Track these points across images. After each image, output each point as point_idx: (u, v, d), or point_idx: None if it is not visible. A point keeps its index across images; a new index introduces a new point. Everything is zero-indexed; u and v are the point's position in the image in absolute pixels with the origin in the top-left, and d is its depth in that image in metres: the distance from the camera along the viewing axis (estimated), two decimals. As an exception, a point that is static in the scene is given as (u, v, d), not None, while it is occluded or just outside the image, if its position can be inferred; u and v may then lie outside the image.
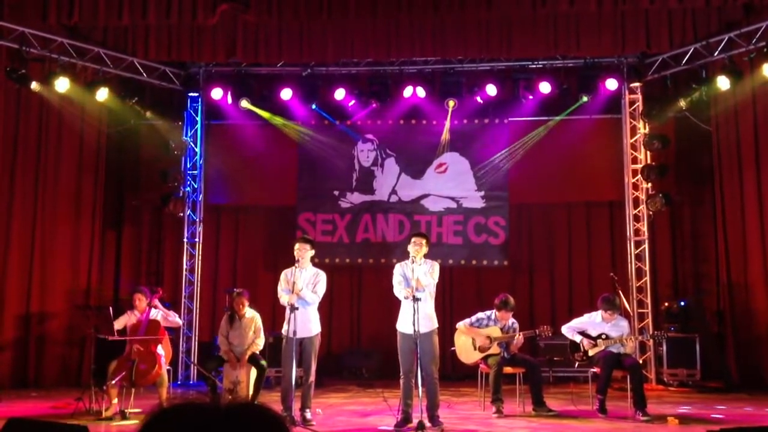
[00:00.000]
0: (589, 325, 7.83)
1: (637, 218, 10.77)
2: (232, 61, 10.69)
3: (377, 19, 9.62)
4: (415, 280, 6.64)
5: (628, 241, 10.73)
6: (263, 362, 7.76)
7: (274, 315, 9.70)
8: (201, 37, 9.98)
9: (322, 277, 7.21)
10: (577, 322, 7.95)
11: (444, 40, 9.93)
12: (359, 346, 11.36)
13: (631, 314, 10.10)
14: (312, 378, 7.10)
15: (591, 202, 11.43)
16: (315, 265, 7.50)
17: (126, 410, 7.31)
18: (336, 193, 11.45)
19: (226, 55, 10.17)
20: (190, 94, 11.32)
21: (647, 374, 9.81)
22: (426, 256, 6.84)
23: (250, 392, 7.54)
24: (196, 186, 11.28)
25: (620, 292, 9.04)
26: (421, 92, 10.88)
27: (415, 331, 6.44)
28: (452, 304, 11.11)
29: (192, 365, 10.50)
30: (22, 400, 8.53)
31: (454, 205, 11.29)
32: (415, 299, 6.48)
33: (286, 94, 10.98)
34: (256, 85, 11.20)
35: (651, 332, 9.81)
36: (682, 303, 10.47)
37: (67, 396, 8.07)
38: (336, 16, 9.28)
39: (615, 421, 7.19)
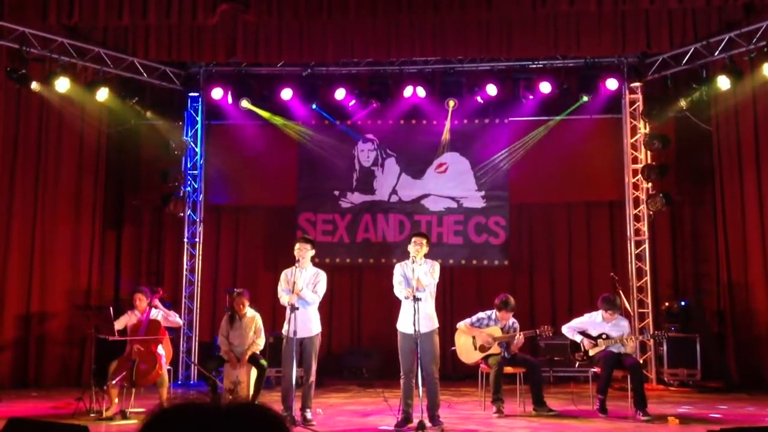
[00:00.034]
0: (590, 325, 7.83)
1: (637, 218, 10.77)
2: (233, 61, 10.69)
3: (377, 19, 9.62)
4: (416, 280, 6.64)
5: (629, 241, 10.73)
6: (263, 362, 7.76)
7: (274, 315, 9.70)
8: (201, 37, 9.98)
9: (323, 277, 7.21)
10: (578, 322, 7.95)
11: (444, 40, 9.93)
12: (359, 346, 11.36)
13: (632, 314, 10.10)
14: (312, 378, 7.10)
15: (591, 202, 11.43)
16: (315, 265, 7.50)
17: (126, 410, 7.31)
18: (336, 193, 11.45)
19: (227, 55, 10.18)
20: (191, 94, 11.32)
21: (648, 374, 9.81)
22: (426, 256, 6.84)
23: (251, 392, 7.54)
24: (196, 186, 11.28)
25: (620, 291, 9.04)
26: (421, 92, 10.88)
27: (415, 330, 6.44)
28: (452, 304, 11.11)
29: (192, 365, 10.50)
30: (23, 400, 8.54)
31: (454, 205, 11.29)
32: (416, 299, 6.47)
33: (286, 94, 10.99)
34: (256, 85, 11.20)
35: (651, 332, 9.81)
36: (683, 303, 10.47)
37: (67, 396, 8.07)
38: (336, 16, 9.28)
39: (615, 421, 7.19)
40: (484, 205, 11.20)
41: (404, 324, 6.72)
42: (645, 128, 10.77)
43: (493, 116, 11.31)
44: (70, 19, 9.20)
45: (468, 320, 7.92)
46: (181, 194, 10.98)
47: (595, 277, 10.99)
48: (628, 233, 10.75)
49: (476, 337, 7.83)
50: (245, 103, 11.06)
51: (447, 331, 9.45)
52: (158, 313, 7.86)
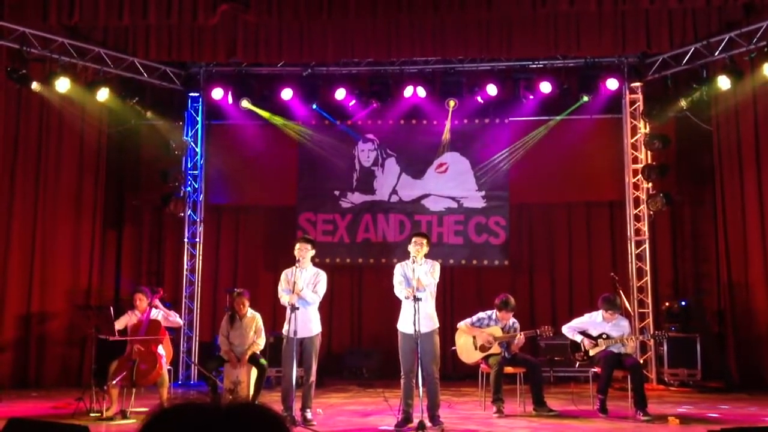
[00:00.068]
0: (590, 325, 7.83)
1: (637, 218, 10.77)
2: (233, 61, 10.69)
3: (377, 19, 9.62)
4: (416, 280, 6.64)
5: (629, 241, 10.73)
6: (263, 361, 7.76)
7: (274, 315, 9.70)
8: (201, 37, 9.98)
9: (323, 277, 7.21)
10: (578, 322, 7.95)
11: (444, 40, 9.93)
12: (360, 346, 11.36)
13: (632, 314, 10.09)
14: (313, 378, 7.10)
15: (591, 202, 11.43)
16: (315, 265, 7.50)
17: (127, 410, 7.31)
18: (336, 193, 11.45)
19: (227, 55, 10.18)
20: (191, 94, 11.33)
21: (648, 374, 9.81)
22: (426, 256, 6.84)
23: (251, 392, 7.54)
24: (196, 186, 11.28)
25: (621, 291, 9.03)
26: (421, 92, 10.88)
27: (415, 330, 6.44)
28: (453, 303, 11.11)
29: (193, 365, 10.51)
30: (23, 400, 8.54)
31: (454, 205, 11.29)
32: (416, 299, 6.47)
33: (286, 94, 10.99)
34: (256, 85, 11.20)
35: (652, 332, 9.81)
36: (683, 303, 10.47)
37: (67, 396, 8.07)
38: (336, 16, 9.28)
39: (616, 421, 7.19)
40: (484, 205, 11.20)
41: (404, 324, 6.72)
42: (645, 128, 10.77)
43: (494, 116, 11.31)
44: (70, 19, 9.20)
45: (468, 320, 7.92)
46: (182, 194, 10.98)
47: (595, 277, 10.99)
48: (629, 233, 10.75)
49: (477, 337, 7.83)
50: (245, 103, 11.06)
51: (447, 331, 9.45)
52: (158, 313, 7.86)
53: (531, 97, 10.84)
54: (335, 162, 11.41)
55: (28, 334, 9.93)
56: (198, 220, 11.24)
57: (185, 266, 11.04)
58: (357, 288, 11.61)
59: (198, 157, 11.31)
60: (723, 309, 10.28)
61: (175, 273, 11.28)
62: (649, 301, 10.52)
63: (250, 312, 7.95)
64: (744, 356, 9.82)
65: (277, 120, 11.36)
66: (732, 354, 9.96)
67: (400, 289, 6.80)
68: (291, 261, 7.24)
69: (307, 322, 7.00)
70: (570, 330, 7.91)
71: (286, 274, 7.17)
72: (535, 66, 10.99)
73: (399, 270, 6.86)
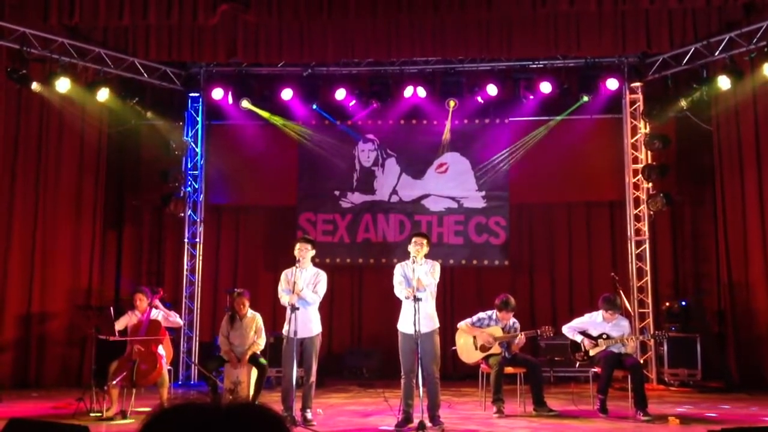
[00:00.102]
0: (590, 325, 7.83)
1: (637, 218, 10.77)
2: (233, 62, 10.69)
3: (377, 19, 9.63)
4: (416, 280, 6.64)
5: (629, 241, 10.73)
6: (262, 360, 7.75)
7: (274, 315, 9.70)
8: (201, 37, 9.99)
9: (323, 277, 7.21)
10: (578, 322, 7.94)
11: (444, 40, 9.93)
12: (360, 346, 11.36)
13: (632, 314, 10.09)
14: (313, 378, 7.10)
15: (592, 202, 11.43)
16: (315, 265, 7.50)
17: (127, 410, 7.31)
18: (337, 193, 11.45)
19: (227, 56, 10.18)
20: (191, 95, 11.32)
21: (648, 374, 9.81)
22: (427, 256, 6.84)
23: (251, 392, 7.54)
24: (196, 186, 11.28)
25: (621, 291, 9.03)
26: (421, 92, 10.88)
27: (416, 331, 6.44)
28: (453, 304, 11.11)
29: (193, 365, 10.51)
30: (23, 401, 8.54)
31: (454, 205, 11.29)
32: (416, 299, 6.47)
33: (286, 94, 10.99)
34: (256, 85, 11.20)
35: (652, 332, 9.81)
36: (683, 303, 10.47)
37: (67, 396, 8.07)
38: (336, 16, 9.29)
39: (616, 421, 7.19)
40: (484, 205, 11.20)
41: (405, 324, 6.72)
42: (645, 128, 10.77)
43: (494, 116, 11.31)
44: (70, 20, 9.21)
45: (469, 320, 7.92)
46: (182, 194, 10.98)
47: (595, 277, 10.99)
48: (629, 233, 10.75)
49: (477, 337, 7.83)
50: (246, 104, 11.06)
51: (447, 331, 9.45)
52: (159, 314, 7.86)
53: (531, 97, 10.84)
54: (335, 162, 11.41)
55: (29, 334, 9.93)
56: (198, 220, 11.24)
57: (185, 266, 11.04)
58: (357, 288, 11.61)
59: (198, 157, 11.31)
60: (723, 309, 10.28)
61: (175, 273, 11.28)
62: (650, 301, 10.52)
63: (250, 312, 7.95)
64: (744, 356, 9.82)
65: (277, 120, 11.36)
66: (732, 354, 9.96)
67: (400, 290, 6.80)
68: (291, 261, 7.24)
69: (307, 323, 7.00)
70: (570, 330, 7.91)
71: (286, 275, 7.17)
72: (535, 66, 10.99)
73: (399, 270, 6.85)
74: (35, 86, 9.64)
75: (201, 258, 11.17)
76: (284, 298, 7.05)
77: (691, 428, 6.83)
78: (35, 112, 10.14)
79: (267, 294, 10.50)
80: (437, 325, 6.85)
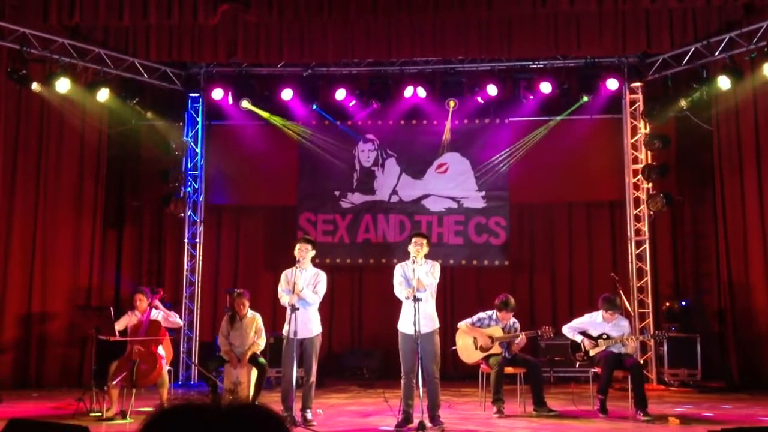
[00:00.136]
0: (590, 325, 7.83)
1: (637, 218, 10.77)
2: (233, 62, 10.69)
3: (377, 19, 9.63)
4: (416, 281, 6.64)
5: (629, 241, 10.73)
6: (261, 359, 7.75)
7: (274, 315, 9.70)
8: (202, 37, 9.98)
9: (323, 277, 7.21)
10: (578, 322, 7.94)
11: (444, 40, 9.93)
12: (360, 346, 11.36)
13: (632, 314, 10.09)
14: (313, 378, 7.10)
15: (592, 202, 11.43)
16: (315, 265, 7.50)
17: (127, 411, 7.31)
18: (337, 193, 11.45)
19: (227, 56, 10.18)
20: (191, 95, 11.32)
21: (648, 374, 9.81)
22: (427, 256, 6.84)
23: (251, 393, 7.54)
24: (196, 186, 11.28)
25: (621, 292, 9.04)
26: (421, 92, 10.88)
27: (416, 331, 6.44)
28: (453, 304, 11.11)
29: (193, 366, 10.50)
30: (23, 401, 8.54)
31: (454, 205, 11.29)
32: (416, 299, 6.47)
33: (286, 94, 10.99)
34: (256, 85, 11.20)
35: (652, 332, 9.81)
36: (684, 303, 10.47)
37: (68, 396, 8.08)
38: (336, 16, 9.29)
39: (616, 422, 7.19)
40: (484, 205, 11.20)
41: (405, 324, 6.72)
42: (645, 128, 10.76)
43: (494, 116, 11.31)
44: (70, 20, 9.21)
45: (469, 320, 7.92)
46: (182, 194, 10.99)
47: (595, 277, 10.99)
48: (629, 233, 10.75)
49: (477, 337, 7.83)
50: (246, 104, 11.06)
51: (448, 331, 9.46)
52: (159, 314, 7.86)
53: (531, 97, 10.84)
54: (335, 162, 11.41)
55: (29, 334, 9.94)
56: (198, 220, 11.24)
57: (185, 266, 11.04)
58: (357, 288, 11.61)
59: (198, 157, 11.31)
60: (723, 309, 10.28)
61: (175, 273, 11.28)
62: (650, 301, 10.52)
63: (250, 312, 7.95)
64: (744, 356, 9.82)
65: (277, 120, 11.36)
66: (732, 354, 9.96)
67: (400, 290, 6.80)
68: (291, 261, 7.24)
69: (307, 323, 7.00)
70: (570, 330, 7.91)
71: (286, 275, 7.17)
72: (535, 66, 10.99)
73: (399, 270, 6.85)
74: (35, 86, 9.65)
75: (201, 258, 11.17)
76: (284, 299, 7.05)
77: (691, 428, 6.82)
78: (35, 113, 10.14)
79: (267, 294, 10.51)
80: (437, 325, 6.85)
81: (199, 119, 11.34)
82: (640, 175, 10.69)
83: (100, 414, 7.24)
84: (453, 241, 11.18)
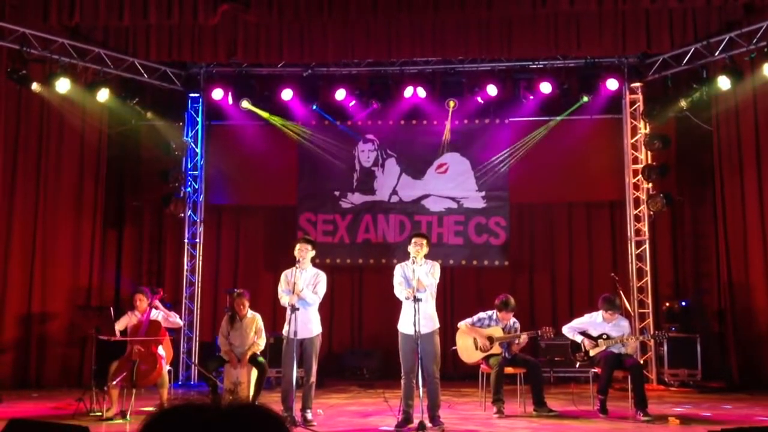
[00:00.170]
0: (590, 325, 7.82)
1: (637, 218, 10.77)
2: (233, 62, 10.69)
3: (377, 19, 9.63)
4: (416, 281, 6.64)
5: (629, 241, 10.73)
6: (261, 359, 7.75)
7: (274, 315, 9.70)
8: (202, 37, 9.98)
9: (323, 277, 7.21)
10: (578, 322, 7.94)
11: (444, 40, 9.93)
12: (360, 346, 11.36)
13: (632, 314, 10.09)
14: (313, 378, 7.10)
15: (592, 202, 11.43)
16: (315, 265, 7.50)
17: (127, 411, 7.31)
18: (337, 193, 11.45)
19: (227, 56, 10.18)
20: (191, 95, 11.32)
21: (648, 374, 9.81)
22: (427, 256, 6.84)
23: (251, 393, 7.54)
24: (196, 186, 11.28)
25: (621, 292, 9.04)
26: (421, 92, 10.88)
27: (416, 331, 6.44)
28: (453, 304, 11.11)
29: (193, 366, 10.50)
30: (23, 401, 8.53)
31: (454, 205, 11.29)
32: (416, 300, 6.47)
33: (286, 94, 10.99)
34: (256, 85, 11.20)
35: (652, 332, 9.81)
36: (684, 303, 10.47)
37: (68, 396, 8.08)
38: (336, 16, 9.29)
39: (616, 422, 7.19)
40: (484, 205, 11.20)
41: (405, 325, 6.72)
42: (645, 128, 10.76)
43: (494, 116, 11.31)
44: (70, 20, 9.21)
45: (469, 320, 7.92)
46: (182, 195, 10.99)
47: (595, 278, 10.99)
48: (629, 233, 10.75)
49: (477, 338, 7.83)
50: (246, 104, 11.06)
51: (448, 331, 9.45)
52: (159, 314, 7.85)
53: (531, 97, 10.84)
54: (335, 162, 11.41)
55: (29, 334, 9.93)
56: (198, 220, 11.24)
57: (185, 267, 11.04)
58: (357, 288, 11.61)
59: (198, 157, 11.31)
60: (723, 309, 10.28)
61: (175, 273, 11.28)
62: (650, 301, 10.52)
63: (250, 313, 7.95)
64: (744, 356, 9.82)
65: (277, 120, 11.36)
66: (732, 354, 9.96)
67: (400, 290, 6.80)
68: (291, 261, 7.24)
69: (307, 323, 7.00)
70: (570, 330, 7.91)
71: (286, 275, 7.17)
72: (535, 66, 10.99)
73: (399, 271, 6.86)
74: (35, 87, 9.65)
75: (201, 258, 11.17)
76: (284, 299, 7.05)
77: (691, 428, 6.83)
78: (35, 113, 10.14)
79: (267, 294, 10.51)
80: (437, 325, 6.85)
81: (199, 119, 11.34)
82: (640, 175, 10.69)
83: (100, 414, 7.24)
84: (453, 241, 11.18)
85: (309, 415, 6.98)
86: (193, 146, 11.29)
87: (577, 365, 8.10)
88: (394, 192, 11.40)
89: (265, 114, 11.27)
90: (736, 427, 3.84)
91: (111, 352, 7.78)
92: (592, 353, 7.72)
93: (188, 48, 10.07)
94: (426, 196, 11.33)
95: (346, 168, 11.45)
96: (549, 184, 11.08)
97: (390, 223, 11.33)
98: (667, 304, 10.57)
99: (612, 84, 10.60)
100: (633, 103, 10.90)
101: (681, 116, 10.57)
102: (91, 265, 10.57)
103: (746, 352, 9.82)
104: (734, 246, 10.04)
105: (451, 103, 10.91)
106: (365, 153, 11.51)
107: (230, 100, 11.10)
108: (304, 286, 7.05)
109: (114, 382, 7.23)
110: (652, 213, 10.57)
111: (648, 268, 10.60)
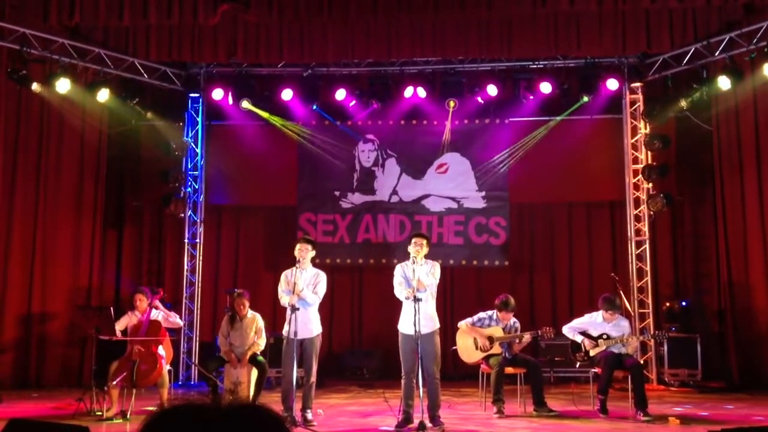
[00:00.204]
0: (590, 325, 7.83)
1: (638, 218, 10.77)
2: (233, 62, 10.69)
3: (377, 19, 9.63)
4: (416, 281, 6.64)
5: (629, 241, 10.73)
6: (261, 359, 7.75)
7: (274, 315, 9.68)
8: (202, 37, 9.98)
9: (323, 277, 7.21)
10: (578, 322, 7.94)
11: (444, 40, 9.93)
12: (360, 346, 11.36)
13: (632, 314, 10.09)
14: (313, 378, 7.10)
15: (592, 202, 11.43)
16: (315, 265, 7.50)
17: (127, 411, 7.31)
18: (337, 193, 11.45)
19: (227, 56, 10.18)
20: (191, 95, 11.32)
21: (648, 374, 9.81)
22: (427, 256, 6.85)
23: (251, 393, 7.54)
24: (196, 186, 11.28)
25: (621, 292, 9.04)
26: (421, 92, 10.88)
27: (416, 331, 6.44)
28: (453, 304, 11.11)
29: (193, 366, 10.50)
30: (24, 401, 8.53)
31: (454, 205, 11.29)
32: (416, 300, 6.47)
33: (286, 94, 10.99)
34: (256, 85, 11.20)
35: (652, 332, 9.81)
36: (684, 303, 10.47)
37: (68, 396, 8.08)
38: (336, 16, 9.29)
39: (616, 422, 7.19)
40: (484, 205, 11.20)
41: (405, 325, 6.72)
42: (645, 128, 10.76)
43: (494, 116, 11.31)
44: (70, 20, 9.21)
45: (469, 320, 7.92)
46: (182, 195, 10.99)
47: (595, 278, 10.99)
48: (629, 233, 10.75)
49: (477, 338, 7.83)
50: (246, 104, 11.06)
51: (448, 331, 9.45)
52: (159, 314, 7.86)
53: (531, 97, 10.84)
54: (335, 162, 11.41)
55: (29, 334, 9.94)
56: (198, 220, 11.24)
57: (185, 267, 11.04)
58: (357, 288, 11.61)
59: (198, 157, 11.31)
60: (723, 309, 10.28)
61: (175, 273, 11.28)
62: (650, 301, 10.51)
63: (250, 313, 7.95)
64: (744, 356, 9.82)
65: (277, 120, 11.36)
66: (732, 354, 9.96)
67: (400, 290, 6.80)
68: (291, 261, 7.24)
69: (307, 323, 7.00)
70: (570, 330, 7.91)
71: (286, 275, 7.17)
72: (535, 66, 10.99)
73: (399, 271, 6.86)
74: (35, 87, 9.65)
75: (201, 258, 11.17)
76: (284, 299, 7.05)
77: (691, 428, 6.83)
78: (35, 113, 10.15)
79: (267, 294, 10.50)
80: (437, 325, 6.85)
81: (199, 119, 11.34)
82: (640, 176, 10.69)
83: (100, 414, 7.24)
84: (453, 241, 11.18)
85: (309, 415, 6.98)
86: (193, 146, 11.29)
87: (577, 365, 8.10)
88: (394, 192, 11.40)
89: (265, 114, 11.27)
90: (736, 427, 3.84)
91: (111, 352, 7.78)
92: (592, 353, 7.72)
93: (188, 48, 10.07)
94: (426, 196, 11.34)
95: (346, 168, 11.45)
96: (549, 184, 11.08)
97: (390, 223, 11.33)
98: (667, 304, 10.57)
99: (612, 84, 10.60)
100: (633, 103, 10.90)
101: (681, 116, 10.57)
102: (91, 265, 10.57)
103: (746, 352, 9.82)
104: (734, 246, 10.04)
105: (451, 103, 10.91)
106: (365, 153, 11.51)
107: (230, 100, 11.10)
108: (304, 286, 7.05)
109: (114, 382, 7.23)
110: (652, 213, 10.57)
111: (648, 268, 10.60)
